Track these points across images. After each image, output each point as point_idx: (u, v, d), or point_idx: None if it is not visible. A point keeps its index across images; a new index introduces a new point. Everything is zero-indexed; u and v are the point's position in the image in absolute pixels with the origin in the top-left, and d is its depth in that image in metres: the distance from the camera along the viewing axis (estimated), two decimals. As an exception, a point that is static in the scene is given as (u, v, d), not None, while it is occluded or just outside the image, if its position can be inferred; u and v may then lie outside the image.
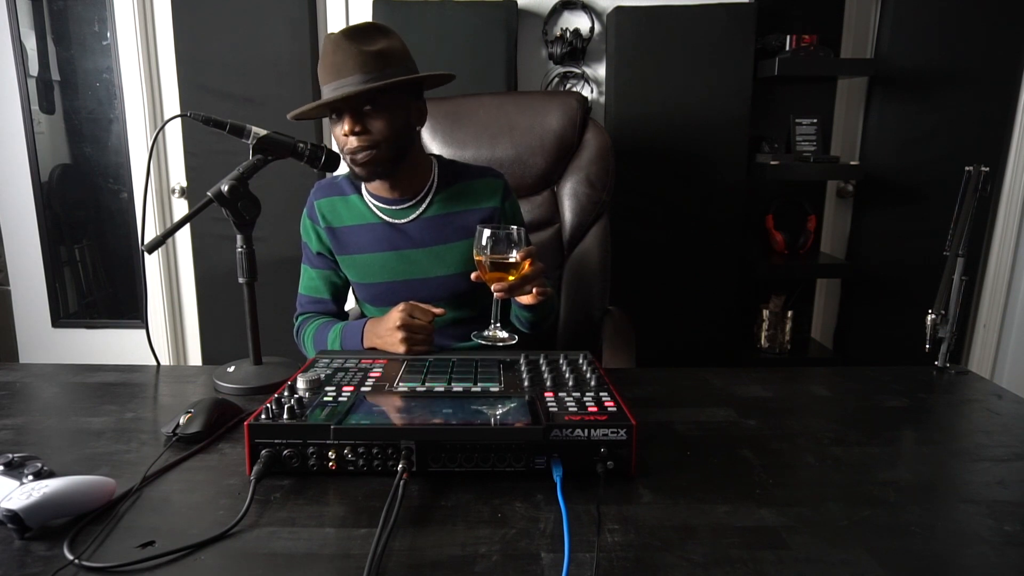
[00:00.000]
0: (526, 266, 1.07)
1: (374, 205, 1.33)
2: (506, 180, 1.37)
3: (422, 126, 1.31)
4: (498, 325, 1.13)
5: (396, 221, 1.32)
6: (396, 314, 1.14)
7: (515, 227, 1.06)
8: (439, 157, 1.38)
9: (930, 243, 2.34)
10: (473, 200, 1.33)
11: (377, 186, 1.32)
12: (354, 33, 1.18)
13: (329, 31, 2.25)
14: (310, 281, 1.39)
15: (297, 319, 1.40)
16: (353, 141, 1.19)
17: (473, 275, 1.10)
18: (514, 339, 1.12)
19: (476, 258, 1.07)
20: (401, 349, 1.13)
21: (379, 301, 1.35)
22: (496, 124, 1.76)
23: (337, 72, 1.17)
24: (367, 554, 0.66)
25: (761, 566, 0.67)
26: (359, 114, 1.18)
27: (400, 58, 1.20)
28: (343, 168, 1.28)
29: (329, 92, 1.18)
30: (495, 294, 1.08)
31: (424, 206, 1.32)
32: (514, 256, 1.05)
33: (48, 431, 0.97)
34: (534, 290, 1.11)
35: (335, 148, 1.26)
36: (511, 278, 1.06)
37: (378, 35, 1.20)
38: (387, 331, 1.15)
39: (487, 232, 1.05)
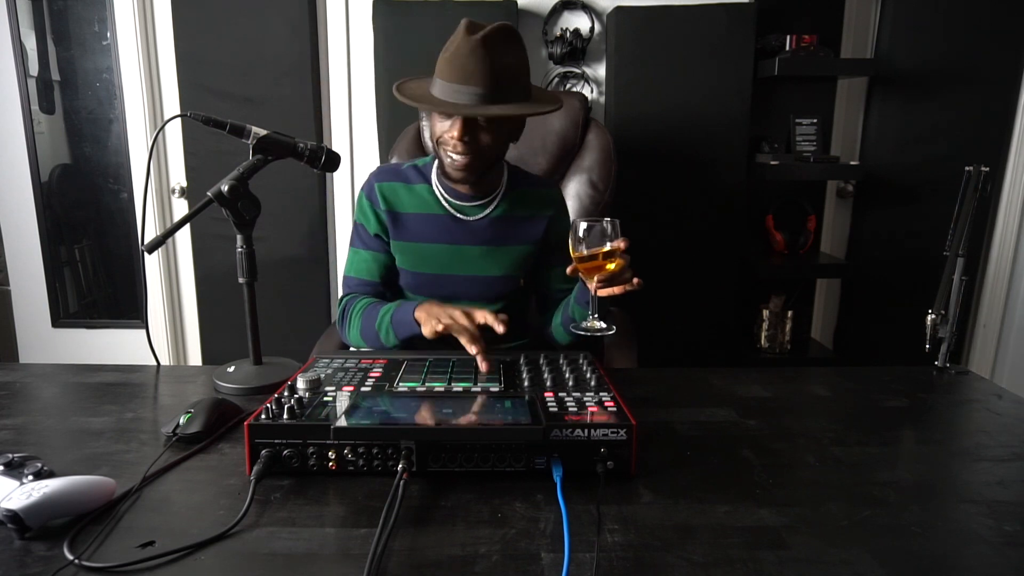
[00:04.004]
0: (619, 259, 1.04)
1: (444, 198, 1.33)
2: (562, 194, 1.39)
3: (517, 140, 1.30)
4: (596, 316, 1.09)
5: (464, 217, 1.33)
6: (458, 311, 1.11)
7: (609, 219, 1.03)
8: (507, 162, 1.39)
9: (930, 243, 2.34)
10: (534, 208, 1.35)
11: (458, 183, 1.31)
12: (491, 40, 1.14)
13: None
14: (362, 263, 1.37)
15: (343, 300, 1.37)
16: (458, 146, 1.19)
17: (569, 269, 1.07)
18: (612, 330, 1.08)
19: (573, 253, 1.04)
20: (437, 324, 1.10)
21: (424, 290, 1.35)
22: (496, 124, 1.76)
23: (463, 76, 1.15)
24: (367, 554, 0.66)
25: (761, 566, 0.67)
26: (470, 125, 1.19)
27: (523, 76, 1.21)
28: (390, 156, 1.25)
29: (450, 92, 1.16)
30: (593, 290, 1.05)
31: (492, 207, 1.33)
32: (609, 247, 1.02)
33: (48, 431, 0.97)
34: (634, 280, 1.07)
35: (425, 138, 1.23)
36: (611, 267, 1.03)
37: (512, 47, 1.18)
38: (442, 310, 1.12)
39: (584, 225, 1.02)
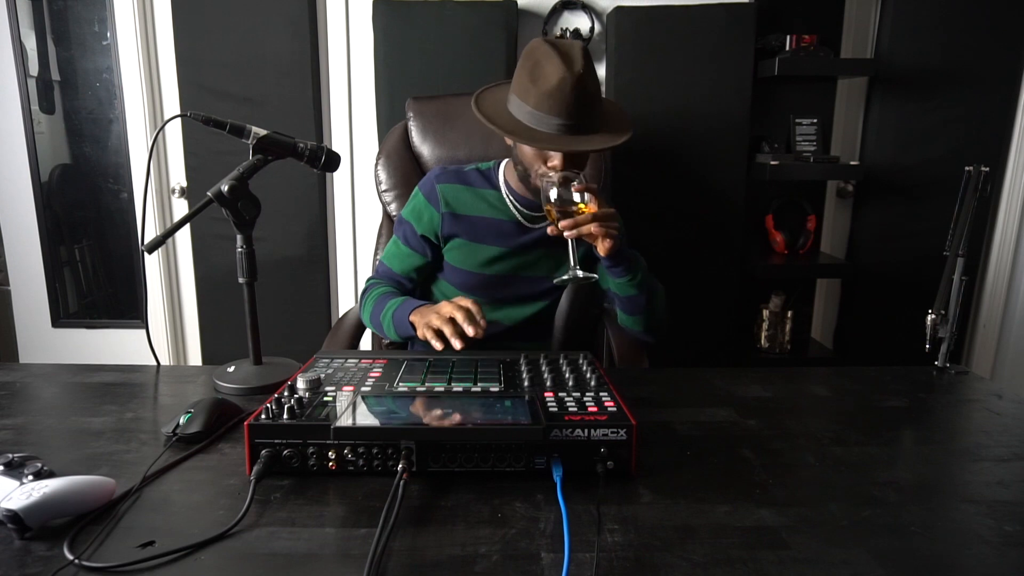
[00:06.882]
0: (591, 207, 1.13)
1: (515, 206, 1.37)
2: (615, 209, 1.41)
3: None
4: (576, 266, 1.15)
5: (531, 225, 1.36)
6: (449, 307, 1.12)
7: (576, 171, 1.16)
8: None
9: (930, 243, 2.34)
10: None
11: (534, 194, 1.32)
12: (586, 75, 1.16)
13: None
14: (403, 257, 1.41)
15: (369, 280, 1.43)
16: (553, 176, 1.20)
17: (549, 229, 1.14)
18: (594, 277, 1.15)
19: (545, 208, 1.15)
20: (426, 329, 1.12)
21: (479, 291, 1.37)
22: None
23: (561, 110, 1.16)
24: (367, 554, 0.66)
25: (761, 566, 0.67)
26: (571, 157, 1.21)
27: (618, 106, 1.26)
28: (444, 157, 1.34)
29: (545, 122, 1.17)
30: (565, 234, 1.12)
31: None
32: (577, 197, 1.13)
33: (48, 431, 0.97)
34: (597, 230, 1.10)
35: (514, 162, 1.30)
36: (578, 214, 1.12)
37: (594, 71, 1.20)
38: (435, 313, 1.13)
39: (556, 184, 1.14)
